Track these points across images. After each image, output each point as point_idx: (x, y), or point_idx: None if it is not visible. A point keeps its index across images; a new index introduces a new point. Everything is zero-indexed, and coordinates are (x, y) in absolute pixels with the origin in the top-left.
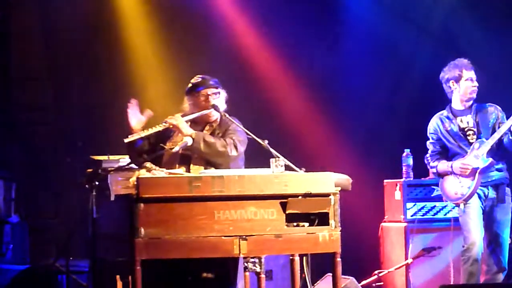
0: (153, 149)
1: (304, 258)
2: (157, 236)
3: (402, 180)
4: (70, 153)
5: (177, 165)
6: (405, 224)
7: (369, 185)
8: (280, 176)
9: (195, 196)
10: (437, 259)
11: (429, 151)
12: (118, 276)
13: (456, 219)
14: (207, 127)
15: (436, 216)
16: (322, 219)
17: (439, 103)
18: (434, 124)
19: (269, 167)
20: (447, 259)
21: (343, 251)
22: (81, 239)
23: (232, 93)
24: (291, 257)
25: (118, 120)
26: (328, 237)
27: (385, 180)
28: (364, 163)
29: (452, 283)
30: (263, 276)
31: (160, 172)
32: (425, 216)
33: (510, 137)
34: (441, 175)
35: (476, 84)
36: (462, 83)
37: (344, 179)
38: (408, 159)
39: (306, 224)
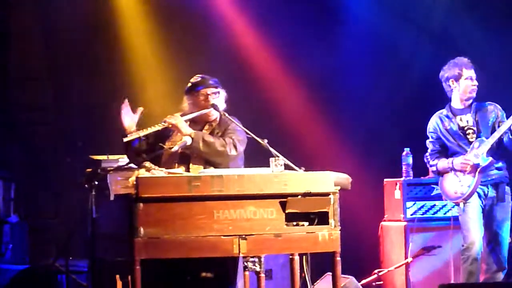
0: (152, 149)
1: (304, 257)
2: (157, 235)
3: (401, 179)
4: (69, 153)
5: (176, 165)
6: (405, 223)
7: (369, 184)
8: (280, 175)
9: (195, 196)
10: (437, 258)
11: (429, 150)
12: (117, 276)
13: (455, 218)
14: (206, 127)
15: (435, 215)
16: (322, 219)
17: (439, 102)
18: (433, 123)
19: (268, 166)
20: (446, 258)
21: (342, 250)
22: (81, 239)
23: (231, 92)
24: (290, 257)
25: (118, 120)
26: (328, 236)
27: (384, 179)
28: (363, 162)
29: (451, 282)
30: (262, 275)
31: (159, 172)
32: (424, 215)
33: (510, 136)
34: (440, 173)
35: (475, 83)
36: (461, 82)
37: (344, 178)
38: (407, 158)
39: (306, 223)
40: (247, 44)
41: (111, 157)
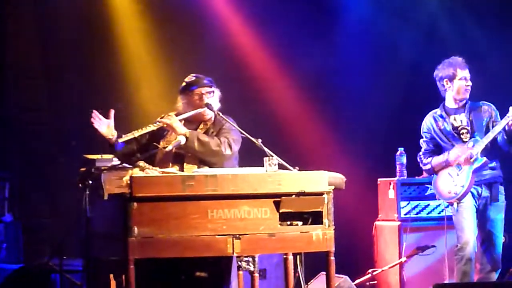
0: (145, 149)
1: (298, 257)
2: (151, 235)
3: (395, 178)
4: (64, 153)
5: (170, 164)
6: (399, 222)
7: (363, 184)
8: (274, 175)
9: (189, 195)
10: (431, 257)
11: (422, 149)
12: (111, 275)
13: (449, 218)
14: (201, 126)
15: (429, 215)
16: (316, 218)
17: (433, 102)
18: (427, 122)
19: (262, 166)
20: (440, 257)
21: (336, 250)
22: (75, 238)
23: (226, 92)
24: (284, 256)
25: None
26: (322, 236)
27: (378, 179)
28: (358, 161)
29: (446, 281)
30: (256, 275)
31: (153, 171)
32: (418, 215)
33: (505, 136)
34: (435, 169)
35: (469, 83)
36: (456, 82)
37: (338, 177)
38: (401, 158)
39: (300, 223)
40: (242, 44)
41: (105, 156)
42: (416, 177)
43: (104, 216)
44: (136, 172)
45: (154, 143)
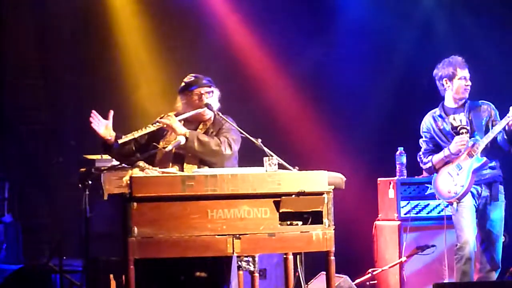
0: (145, 149)
1: (298, 256)
2: (150, 235)
3: (395, 178)
4: (63, 153)
5: (170, 164)
6: (399, 222)
7: (363, 184)
8: (274, 174)
9: (189, 195)
10: (431, 257)
11: (422, 149)
12: (111, 275)
13: (449, 217)
14: (200, 126)
15: (429, 214)
16: (316, 218)
17: (433, 101)
18: (427, 122)
19: (262, 165)
20: (440, 257)
21: (336, 250)
22: (75, 238)
23: (225, 91)
24: (284, 256)
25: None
26: (322, 235)
27: (378, 179)
28: (357, 161)
29: (445, 281)
30: (256, 275)
31: (153, 171)
32: (418, 214)
33: (505, 136)
34: (436, 167)
35: (469, 83)
36: (455, 81)
37: (338, 177)
38: (401, 157)
39: (300, 222)
40: (241, 43)
41: (104, 156)
42: (416, 176)
43: (104, 216)
44: (136, 172)
45: (154, 143)
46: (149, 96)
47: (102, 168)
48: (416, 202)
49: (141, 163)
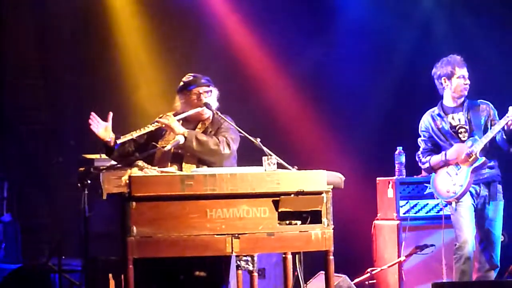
0: (144, 149)
1: (297, 256)
2: (149, 234)
3: (394, 177)
4: (62, 153)
5: (169, 164)
6: (398, 222)
7: (362, 183)
8: (273, 174)
9: (188, 195)
10: (430, 256)
11: (421, 148)
12: (110, 275)
13: (447, 217)
14: (199, 126)
15: (428, 214)
16: (315, 217)
17: (432, 100)
18: (425, 121)
19: (261, 165)
20: (439, 256)
21: (335, 249)
22: (74, 238)
23: (224, 91)
24: (283, 255)
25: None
26: (321, 235)
27: (377, 178)
28: (356, 161)
29: (444, 280)
30: (255, 274)
31: (152, 171)
32: (417, 214)
33: (504, 136)
34: (433, 168)
35: (468, 81)
36: (454, 80)
37: (337, 177)
38: (400, 157)
39: (299, 222)
40: (241, 43)
41: (104, 156)
42: (415, 176)
43: (103, 215)
44: (135, 172)
45: (153, 143)
46: (149, 96)
47: (101, 167)
48: (415, 202)
49: (140, 163)
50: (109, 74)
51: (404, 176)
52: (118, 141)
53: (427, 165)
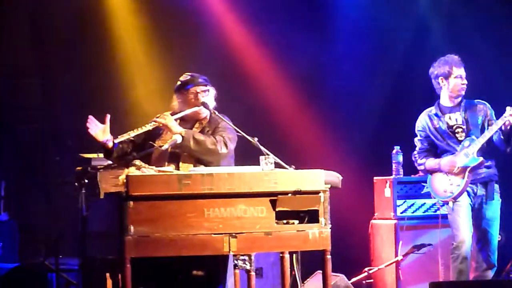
0: (141, 148)
1: (294, 255)
2: (147, 234)
3: (392, 177)
4: (59, 151)
5: (166, 163)
6: (395, 221)
7: (359, 183)
8: (270, 173)
9: (185, 194)
10: (427, 256)
11: (417, 148)
12: (108, 274)
13: (444, 216)
14: (196, 125)
15: (426, 213)
16: (312, 217)
17: (429, 99)
18: (422, 121)
19: (259, 164)
20: (436, 256)
21: (333, 248)
22: (71, 237)
23: (221, 90)
24: (281, 255)
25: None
26: (318, 234)
27: (375, 177)
28: (354, 160)
29: (441, 280)
30: (253, 273)
31: (149, 170)
32: (415, 213)
33: (501, 136)
34: (429, 171)
35: (465, 81)
36: (451, 80)
37: (334, 176)
38: (398, 156)
39: (296, 221)
40: (237, 42)
41: (101, 155)
42: (412, 175)
43: (100, 215)
44: (132, 171)
45: (150, 142)
46: (146, 96)
47: (99, 166)
48: (412, 201)
49: (138, 162)
50: (106, 73)
51: (402, 176)
52: (116, 141)
53: (422, 167)
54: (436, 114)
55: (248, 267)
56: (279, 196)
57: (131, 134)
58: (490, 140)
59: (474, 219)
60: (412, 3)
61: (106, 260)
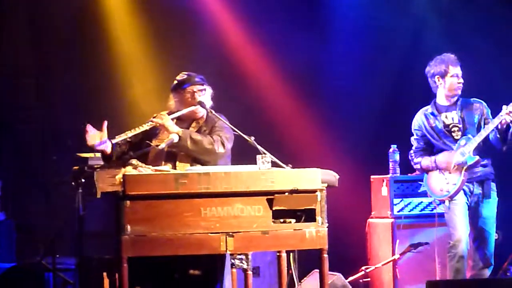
0: (137, 148)
1: (291, 254)
2: (144, 233)
3: (389, 176)
4: (59, 151)
5: (163, 162)
6: (392, 220)
7: (356, 181)
8: (267, 172)
9: (182, 193)
10: (424, 255)
11: (413, 147)
12: (105, 274)
13: (440, 215)
14: (193, 124)
15: (423, 212)
16: (309, 216)
17: (426, 98)
18: (418, 120)
19: (255, 163)
20: (433, 255)
21: (330, 247)
22: (68, 236)
23: (218, 89)
24: (278, 254)
25: (106, 117)
26: (315, 233)
27: (372, 176)
28: (351, 159)
29: (438, 278)
30: (250, 272)
31: (146, 169)
32: (412, 212)
33: (497, 135)
34: (424, 170)
35: (461, 80)
36: (447, 79)
37: (331, 175)
38: (394, 155)
39: (293, 220)
40: (234, 41)
41: (98, 154)
42: (409, 174)
43: (97, 214)
44: (129, 170)
45: (147, 142)
46: (143, 95)
47: (95, 166)
48: (409, 200)
49: (134, 161)
50: (104, 73)
51: (398, 174)
52: (113, 141)
53: (418, 166)
54: (432, 113)
55: (245, 266)
56: (276, 195)
57: (128, 134)
58: (486, 138)
59: (471, 217)
60: (411, 2)
61: (103, 259)
